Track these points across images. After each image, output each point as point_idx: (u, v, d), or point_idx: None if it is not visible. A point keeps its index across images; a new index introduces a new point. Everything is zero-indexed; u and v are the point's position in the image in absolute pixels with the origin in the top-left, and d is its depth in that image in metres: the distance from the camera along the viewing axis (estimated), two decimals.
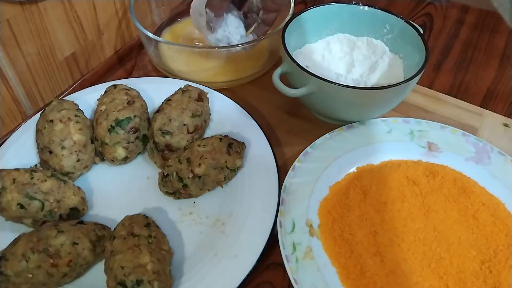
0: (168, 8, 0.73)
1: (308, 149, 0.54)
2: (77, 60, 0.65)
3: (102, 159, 0.54)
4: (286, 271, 0.43)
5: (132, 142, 0.52)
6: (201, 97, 0.55)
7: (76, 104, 0.54)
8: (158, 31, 0.71)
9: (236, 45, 0.60)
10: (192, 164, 0.48)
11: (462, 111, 0.64)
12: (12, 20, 0.52)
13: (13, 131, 0.56)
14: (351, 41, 0.64)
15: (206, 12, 0.57)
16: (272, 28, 0.63)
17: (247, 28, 0.62)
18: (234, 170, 0.51)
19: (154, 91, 0.59)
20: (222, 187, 0.51)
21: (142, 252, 0.40)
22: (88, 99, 0.58)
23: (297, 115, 0.63)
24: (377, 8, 0.62)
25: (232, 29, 0.59)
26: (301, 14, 0.60)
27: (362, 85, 0.58)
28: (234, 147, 0.50)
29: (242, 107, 0.58)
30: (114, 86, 0.56)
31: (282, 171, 0.51)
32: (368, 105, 0.54)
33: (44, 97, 0.62)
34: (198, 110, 0.54)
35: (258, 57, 0.66)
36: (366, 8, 0.62)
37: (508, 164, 0.54)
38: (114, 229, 0.45)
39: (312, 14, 0.61)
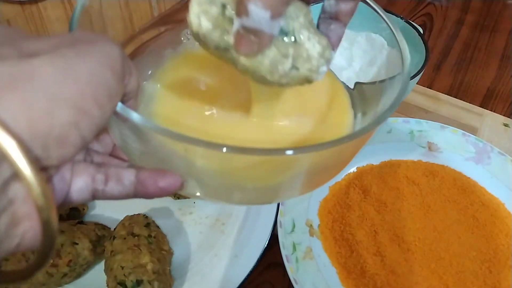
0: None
1: None
2: None
3: None
4: (286, 271, 0.43)
5: None
6: None
7: None
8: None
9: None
10: None
11: (462, 111, 0.64)
12: (12, 20, 0.52)
13: None
14: (350, 37, 0.63)
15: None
16: None
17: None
18: None
19: None
20: None
21: (142, 252, 0.40)
22: None
23: None
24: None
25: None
26: None
27: (361, 79, 0.58)
28: None
29: None
30: None
31: None
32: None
33: None
34: None
35: None
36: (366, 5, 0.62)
37: (508, 164, 0.54)
38: (114, 229, 0.45)
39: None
